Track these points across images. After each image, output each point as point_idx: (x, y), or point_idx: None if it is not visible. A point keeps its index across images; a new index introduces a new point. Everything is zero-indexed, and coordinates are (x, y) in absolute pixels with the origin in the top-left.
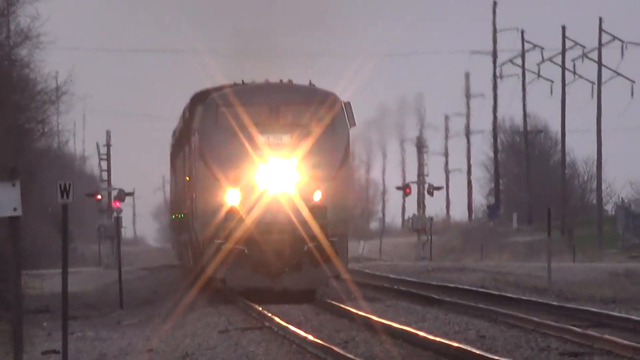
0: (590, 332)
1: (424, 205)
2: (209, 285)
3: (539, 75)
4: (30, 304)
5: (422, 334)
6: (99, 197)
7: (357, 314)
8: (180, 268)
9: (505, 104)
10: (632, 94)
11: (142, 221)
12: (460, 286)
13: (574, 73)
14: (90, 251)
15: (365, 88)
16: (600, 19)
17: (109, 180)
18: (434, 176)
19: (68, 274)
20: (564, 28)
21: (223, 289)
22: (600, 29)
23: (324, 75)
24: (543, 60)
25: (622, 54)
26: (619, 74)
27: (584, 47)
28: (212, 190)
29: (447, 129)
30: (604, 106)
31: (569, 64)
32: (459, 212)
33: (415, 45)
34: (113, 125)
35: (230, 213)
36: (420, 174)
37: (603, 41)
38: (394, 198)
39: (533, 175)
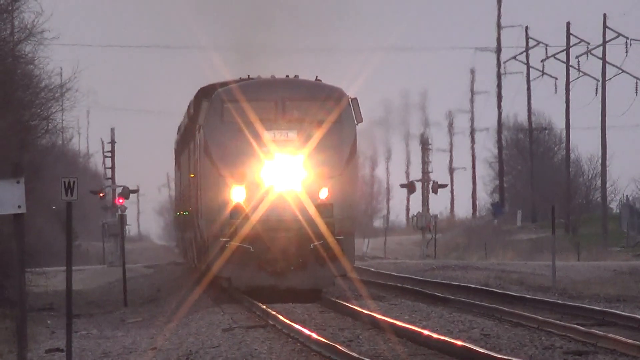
0: (594, 330)
1: (428, 203)
2: (213, 283)
3: (543, 72)
4: (34, 302)
5: (426, 332)
6: (102, 194)
7: (361, 312)
8: (185, 265)
9: (509, 101)
10: (636, 91)
11: (147, 218)
12: (465, 284)
13: (579, 70)
14: (94, 249)
15: (368, 84)
16: (605, 16)
17: (113, 178)
18: (438, 174)
19: (72, 271)
20: (568, 25)
21: (228, 288)
22: (605, 26)
23: (329, 70)
24: (547, 57)
25: (627, 50)
26: (623, 70)
27: (588, 43)
28: (217, 187)
29: (451, 126)
30: (609, 103)
31: (573, 61)
32: (463, 210)
33: (419, 41)
34: (117, 122)
35: (236, 211)
36: (425, 172)
37: (607, 38)
38: (398, 196)
39: (537, 173)
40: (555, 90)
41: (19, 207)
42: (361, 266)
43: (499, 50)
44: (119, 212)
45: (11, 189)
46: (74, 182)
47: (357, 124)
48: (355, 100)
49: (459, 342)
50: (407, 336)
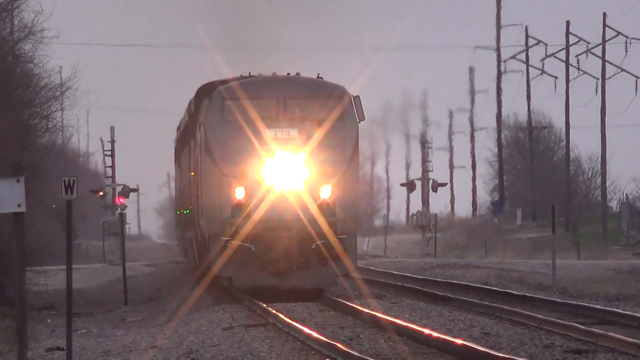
0: (594, 329)
1: (428, 202)
2: (214, 283)
3: (543, 71)
4: (34, 301)
5: (426, 331)
6: (102, 193)
7: (361, 310)
8: (185, 265)
9: (509, 100)
10: (636, 89)
11: (147, 217)
12: (465, 283)
13: (578, 69)
14: (95, 247)
15: (369, 83)
16: (605, 15)
17: (113, 176)
18: (438, 172)
19: (72, 270)
20: (568, 24)
21: (228, 287)
22: (605, 25)
23: (330, 69)
24: (547, 56)
25: (626, 49)
26: (623, 69)
27: (588, 42)
28: (218, 185)
29: (451, 125)
30: (608, 102)
31: (573, 60)
32: (463, 209)
33: (419, 40)
34: (117, 121)
35: (237, 209)
36: (425, 170)
37: (607, 37)
38: (398, 194)
39: (537, 172)
40: (555, 89)
41: (19, 206)
42: (361, 265)
43: (498, 49)
44: (119, 210)
45: (11, 188)
46: (73, 180)
47: (359, 122)
48: (357, 98)
49: (459, 341)
50: (407, 335)
